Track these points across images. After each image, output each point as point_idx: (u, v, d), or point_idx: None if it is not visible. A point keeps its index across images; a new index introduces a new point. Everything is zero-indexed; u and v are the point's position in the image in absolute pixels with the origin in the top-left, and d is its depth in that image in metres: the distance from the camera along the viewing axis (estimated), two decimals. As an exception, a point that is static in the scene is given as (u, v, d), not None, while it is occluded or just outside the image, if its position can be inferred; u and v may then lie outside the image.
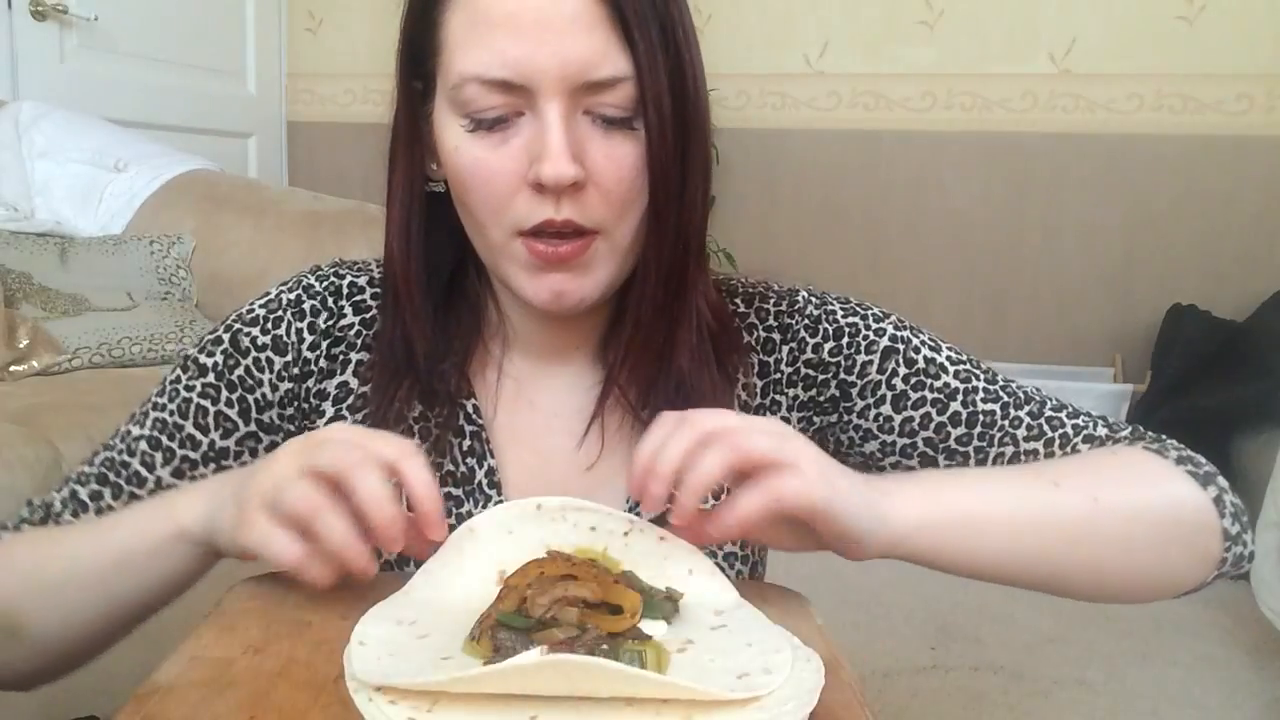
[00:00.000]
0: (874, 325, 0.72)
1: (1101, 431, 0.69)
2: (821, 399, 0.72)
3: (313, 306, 0.70)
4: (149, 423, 0.68)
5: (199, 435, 0.67)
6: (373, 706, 0.41)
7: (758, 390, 0.72)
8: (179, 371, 0.69)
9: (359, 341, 0.70)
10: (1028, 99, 2.66)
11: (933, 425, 0.70)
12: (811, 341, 0.72)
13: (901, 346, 0.71)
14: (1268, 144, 2.53)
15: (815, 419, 0.72)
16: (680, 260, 0.63)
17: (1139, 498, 0.61)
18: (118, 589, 0.59)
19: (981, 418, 0.69)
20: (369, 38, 3.01)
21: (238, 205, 1.99)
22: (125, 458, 0.67)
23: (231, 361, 0.68)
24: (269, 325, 0.69)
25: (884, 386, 0.70)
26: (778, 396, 0.72)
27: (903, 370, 0.70)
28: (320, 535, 0.49)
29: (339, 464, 0.49)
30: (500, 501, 0.67)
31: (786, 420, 0.72)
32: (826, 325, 0.72)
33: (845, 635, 0.64)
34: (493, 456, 0.68)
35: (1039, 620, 2.02)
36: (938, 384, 0.70)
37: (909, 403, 0.70)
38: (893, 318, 0.73)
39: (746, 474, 0.50)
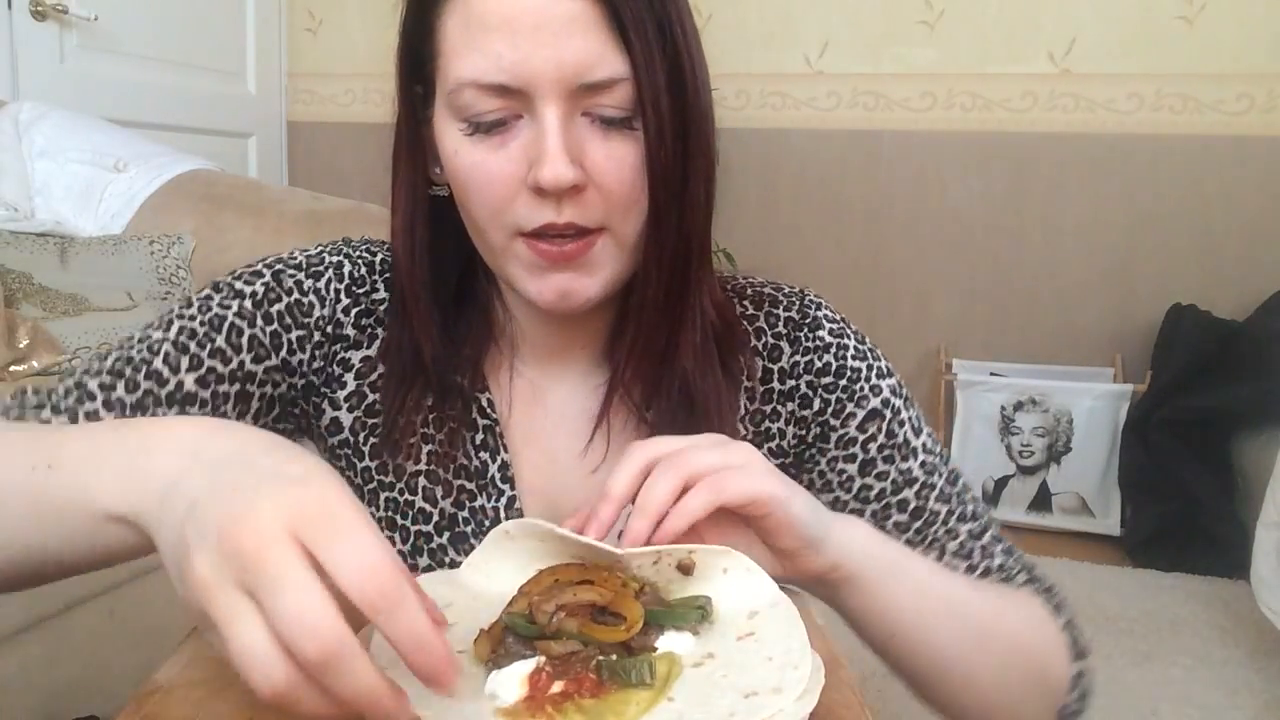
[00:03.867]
0: (873, 381, 0.71)
1: (1021, 578, 0.71)
2: (809, 423, 0.71)
3: (352, 273, 0.70)
4: (174, 329, 0.64)
5: (230, 352, 0.64)
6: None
7: (758, 395, 0.71)
8: (211, 292, 0.66)
9: (387, 318, 0.70)
10: (1028, 99, 2.66)
11: (882, 502, 0.70)
12: (819, 364, 0.70)
13: (889, 415, 0.70)
14: (1268, 144, 2.52)
15: (802, 442, 0.72)
16: (682, 261, 0.62)
17: (1026, 643, 0.66)
18: (24, 537, 0.48)
19: (926, 515, 0.70)
20: (369, 38, 3.01)
21: (238, 205, 1.99)
22: (146, 355, 0.63)
23: (273, 295, 0.67)
24: (313, 274, 0.69)
25: (857, 446, 0.70)
26: (778, 407, 0.71)
27: (880, 439, 0.70)
28: (335, 687, 0.34)
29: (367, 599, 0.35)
30: (514, 496, 0.68)
31: (782, 433, 0.71)
32: (833, 358, 0.70)
33: (845, 635, 0.64)
34: (506, 451, 0.69)
35: (1039, 620, 2.02)
36: (903, 466, 0.70)
37: (873, 472, 0.70)
38: (894, 379, 0.72)
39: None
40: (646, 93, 0.57)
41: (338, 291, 0.69)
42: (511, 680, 0.43)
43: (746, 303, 0.73)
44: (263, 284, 0.67)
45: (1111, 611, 2.08)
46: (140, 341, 0.65)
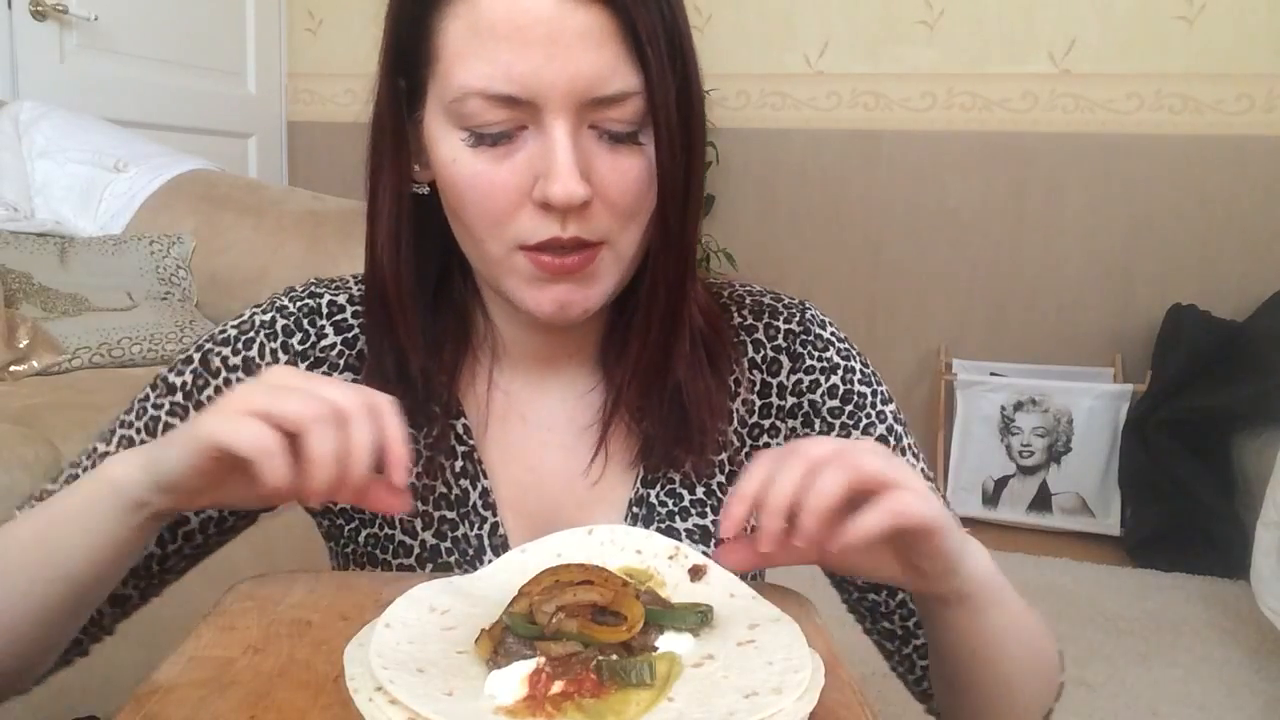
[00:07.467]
0: (879, 407, 0.71)
1: None
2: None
3: (285, 327, 0.67)
4: (115, 440, 0.67)
5: None
6: (373, 706, 0.41)
7: (756, 408, 0.70)
8: (148, 389, 0.68)
9: (341, 361, 0.68)
10: (1028, 99, 2.66)
11: None
12: (824, 385, 0.70)
13: (892, 441, 0.70)
14: (1268, 144, 2.52)
15: None
16: (682, 272, 0.62)
17: (1049, 657, 0.67)
18: (41, 559, 0.54)
19: None
20: (369, 38, 2.99)
21: (238, 205, 1.99)
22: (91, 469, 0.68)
23: (201, 381, 0.66)
24: (240, 346, 0.67)
25: None
26: (777, 423, 0.70)
27: None
28: (311, 446, 0.46)
29: (300, 417, 0.46)
30: (496, 522, 0.67)
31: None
32: (840, 381, 0.70)
33: (845, 635, 0.63)
34: (486, 477, 0.67)
35: (1039, 620, 2.02)
36: None
37: None
38: (894, 404, 0.72)
39: (859, 495, 0.49)
40: (660, 109, 0.56)
41: (273, 351, 0.67)
42: (511, 680, 0.43)
43: (745, 313, 0.71)
44: (191, 371, 0.67)
45: (1111, 611, 2.07)
46: (88, 457, 0.67)
